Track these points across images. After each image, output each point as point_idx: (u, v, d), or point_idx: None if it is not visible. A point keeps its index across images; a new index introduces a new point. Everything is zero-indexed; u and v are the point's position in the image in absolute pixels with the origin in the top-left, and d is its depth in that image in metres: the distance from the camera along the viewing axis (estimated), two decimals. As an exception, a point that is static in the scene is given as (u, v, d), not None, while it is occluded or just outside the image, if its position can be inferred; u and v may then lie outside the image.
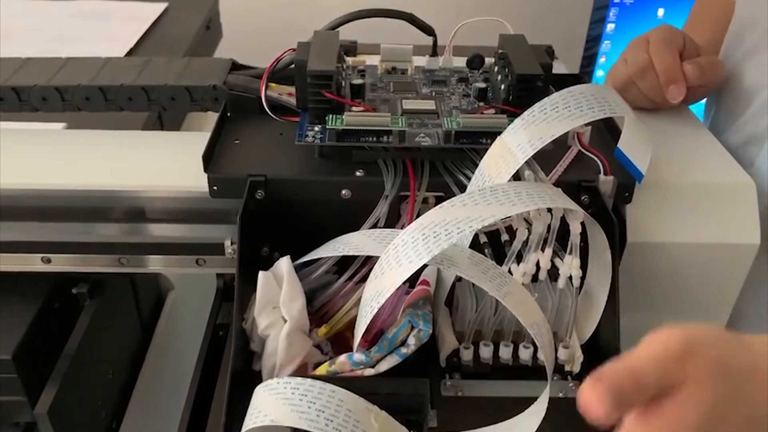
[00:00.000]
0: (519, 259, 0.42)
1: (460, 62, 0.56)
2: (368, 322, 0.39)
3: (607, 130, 0.52)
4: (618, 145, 0.47)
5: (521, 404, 0.41)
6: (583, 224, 0.43)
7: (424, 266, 0.45)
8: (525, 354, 0.45)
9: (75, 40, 0.77)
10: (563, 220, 0.41)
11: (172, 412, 0.51)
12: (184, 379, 0.51)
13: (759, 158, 0.54)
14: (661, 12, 1.17)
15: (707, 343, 0.31)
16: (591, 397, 0.28)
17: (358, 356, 0.41)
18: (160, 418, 0.59)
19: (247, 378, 0.43)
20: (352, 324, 0.44)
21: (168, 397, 0.59)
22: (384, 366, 0.41)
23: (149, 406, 0.61)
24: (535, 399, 0.41)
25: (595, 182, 0.46)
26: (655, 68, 0.53)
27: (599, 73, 1.22)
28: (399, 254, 0.38)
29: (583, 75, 0.74)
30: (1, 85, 0.53)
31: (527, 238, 0.41)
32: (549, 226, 0.41)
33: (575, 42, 1.18)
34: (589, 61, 1.20)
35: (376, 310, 0.38)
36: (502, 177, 0.40)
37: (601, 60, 1.21)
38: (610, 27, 1.18)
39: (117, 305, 0.60)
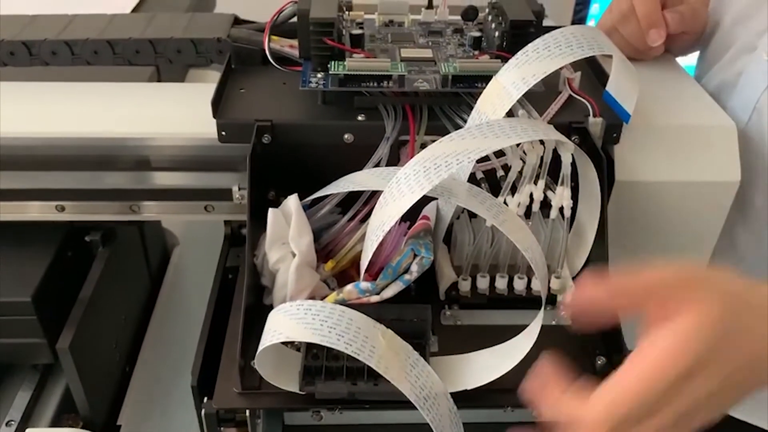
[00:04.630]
0: (513, 191, 0.44)
1: (455, 19, 0.58)
2: (374, 249, 0.41)
3: (595, 76, 0.55)
4: (606, 88, 0.50)
5: (516, 331, 0.44)
6: (574, 162, 0.46)
7: (425, 203, 0.48)
8: (519, 285, 0.48)
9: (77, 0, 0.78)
10: (556, 154, 0.44)
11: (183, 354, 0.53)
12: (195, 322, 0.53)
13: (729, 104, 0.56)
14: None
15: (715, 276, 0.33)
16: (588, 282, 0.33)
17: (364, 284, 0.43)
18: (171, 360, 0.62)
19: (259, 311, 0.45)
20: (356, 260, 0.47)
21: (179, 340, 0.62)
22: (388, 293, 0.43)
23: (161, 350, 0.63)
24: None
25: (585, 124, 0.49)
26: (636, 14, 0.55)
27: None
28: (401, 186, 0.40)
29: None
30: (11, 40, 0.55)
31: (521, 170, 0.43)
32: (542, 159, 0.44)
33: (565, 5, 1.20)
34: (578, 24, 1.22)
35: (381, 238, 0.41)
36: (498, 113, 0.43)
37: (590, 24, 1.23)
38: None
39: (127, 253, 0.62)
